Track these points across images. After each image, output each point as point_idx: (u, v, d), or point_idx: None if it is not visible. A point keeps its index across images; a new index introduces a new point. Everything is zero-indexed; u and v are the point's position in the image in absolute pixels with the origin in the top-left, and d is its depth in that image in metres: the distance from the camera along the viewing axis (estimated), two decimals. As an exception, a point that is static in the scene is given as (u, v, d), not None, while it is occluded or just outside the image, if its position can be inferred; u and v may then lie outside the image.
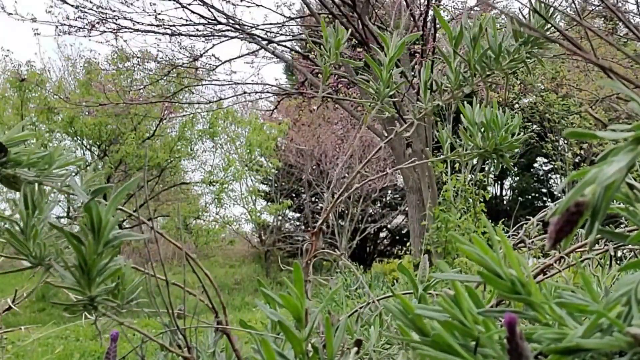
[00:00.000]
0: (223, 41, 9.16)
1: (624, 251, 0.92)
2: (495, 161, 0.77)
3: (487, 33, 0.70)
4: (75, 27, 8.68)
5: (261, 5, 8.87)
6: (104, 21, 8.71)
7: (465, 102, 0.76)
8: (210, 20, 8.72)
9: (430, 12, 7.77)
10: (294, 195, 15.31)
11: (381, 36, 0.79)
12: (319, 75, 8.74)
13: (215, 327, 0.57)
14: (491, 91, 0.76)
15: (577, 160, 14.47)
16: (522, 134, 0.76)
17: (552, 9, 0.66)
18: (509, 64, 0.71)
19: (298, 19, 9.75)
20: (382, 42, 0.80)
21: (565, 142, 14.09)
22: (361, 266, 10.03)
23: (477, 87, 0.77)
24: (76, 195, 0.43)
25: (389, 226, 16.59)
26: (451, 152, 0.80)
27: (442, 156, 0.82)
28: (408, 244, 9.83)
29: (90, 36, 8.79)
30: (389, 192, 15.93)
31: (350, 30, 0.84)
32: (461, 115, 0.74)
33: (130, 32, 8.83)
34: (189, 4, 8.42)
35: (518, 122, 0.75)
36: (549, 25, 0.68)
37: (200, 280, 0.53)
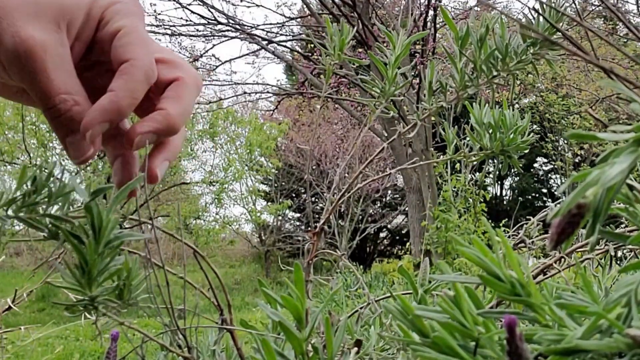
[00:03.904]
0: (223, 41, 9.17)
1: (624, 251, 0.92)
2: (501, 162, 0.77)
3: (494, 33, 0.70)
4: (75, 27, 8.68)
5: (261, 6, 8.88)
6: (104, 21, 8.70)
7: (472, 103, 0.76)
8: (210, 21, 8.73)
9: (430, 13, 7.77)
10: (294, 195, 15.31)
11: (387, 34, 0.79)
12: (320, 75, 8.76)
13: (218, 326, 0.57)
14: (494, 92, 0.76)
15: (577, 160, 14.48)
16: (530, 135, 0.76)
17: (558, 13, 0.66)
18: (516, 64, 0.71)
19: (298, 19, 9.76)
20: (385, 40, 0.80)
21: (565, 142, 14.09)
22: (361, 266, 10.03)
23: (479, 88, 0.77)
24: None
25: (389, 226, 16.59)
26: (455, 152, 0.80)
27: (445, 157, 0.81)
28: (408, 244, 9.83)
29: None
30: (389, 192, 15.93)
31: (352, 31, 0.84)
32: (461, 117, 0.74)
33: (131, 32, 8.82)
34: (189, 4, 8.43)
35: (527, 122, 0.75)
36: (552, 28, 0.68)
37: (208, 279, 0.54)
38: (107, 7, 0.48)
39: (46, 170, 0.42)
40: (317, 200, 15.33)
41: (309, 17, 9.13)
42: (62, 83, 0.45)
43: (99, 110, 0.45)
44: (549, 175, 17.74)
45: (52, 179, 0.41)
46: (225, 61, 9.53)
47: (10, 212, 0.40)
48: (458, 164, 8.51)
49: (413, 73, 7.51)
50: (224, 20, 8.75)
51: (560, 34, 0.68)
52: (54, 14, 0.46)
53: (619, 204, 0.32)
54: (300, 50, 10.45)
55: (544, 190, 17.69)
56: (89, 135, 0.44)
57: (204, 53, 9.31)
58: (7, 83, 0.49)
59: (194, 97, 0.51)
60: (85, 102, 0.47)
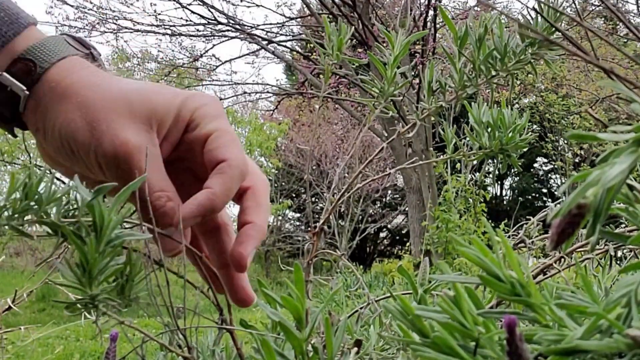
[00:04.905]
0: (223, 41, 9.17)
1: (624, 251, 0.92)
2: (501, 161, 0.76)
3: (492, 33, 0.70)
4: (75, 27, 8.69)
5: (261, 6, 8.88)
6: (104, 21, 8.72)
7: (471, 103, 0.76)
8: (210, 21, 8.73)
9: (431, 13, 7.77)
10: (294, 195, 15.30)
11: (386, 35, 0.78)
12: (319, 75, 8.75)
13: (218, 326, 0.57)
14: (493, 92, 0.76)
15: (577, 160, 14.48)
16: (529, 133, 0.76)
17: (557, 12, 0.66)
18: (515, 64, 0.71)
19: (298, 19, 9.76)
20: (385, 40, 0.80)
21: (565, 142, 14.09)
22: (361, 266, 10.03)
23: (478, 88, 0.77)
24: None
25: (389, 226, 16.58)
26: (454, 152, 0.80)
27: (444, 156, 0.81)
28: (408, 244, 9.84)
29: (90, 37, 8.79)
30: (389, 192, 15.93)
31: (352, 30, 0.84)
32: (461, 117, 0.74)
33: (131, 32, 8.84)
34: (189, 4, 8.43)
35: (525, 121, 0.75)
36: (552, 28, 0.68)
37: (207, 279, 0.53)
38: (195, 110, 0.52)
39: (37, 176, 0.42)
40: (317, 200, 15.32)
41: (309, 17, 9.13)
42: (156, 181, 0.49)
43: (196, 205, 0.48)
44: (549, 175, 17.73)
45: (42, 185, 0.41)
46: (225, 61, 9.54)
47: (2, 220, 0.40)
48: (458, 164, 8.51)
49: (413, 73, 7.51)
50: (224, 20, 8.75)
51: (559, 33, 0.68)
52: (147, 116, 0.50)
53: (619, 204, 0.32)
54: (300, 50, 10.45)
55: (544, 190, 17.69)
56: (180, 225, 0.47)
57: (204, 53, 9.32)
58: (96, 179, 0.51)
59: (268, 197, 0.55)
60: (176, 197, 0.50)
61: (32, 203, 0.41)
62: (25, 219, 0.41)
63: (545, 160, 16.98)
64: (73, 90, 0.50)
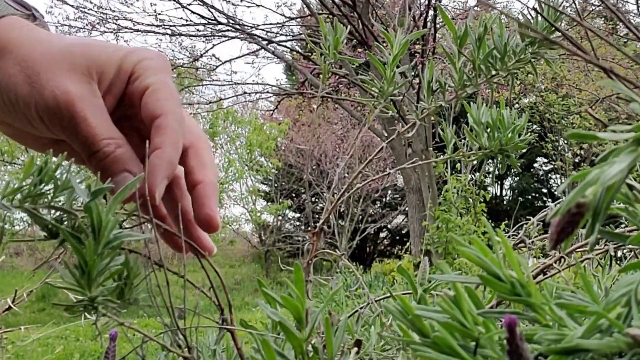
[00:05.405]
0: (223, 41, 9.16)
1: (624, 251, 0.92)
2: (500, 161, 0.76)
3: (492, 33, 0.70)
4: (75, 27, 8.70)
5: (261, 6, 8.88)
6: (104, 21, 8.72)
7: (470, 102, 0.76)
8: (210, 21, 8.72)
9: (431, 12, 7.77)
10: (294, 195, 15.29)
11: (384, 34, 0.78)
12: (319, 75, 8.75)
13: (218, 326, 0.57)
14: (493, 91, 0.76)
15: (577, 160, 14.48)
16: (529, 134, 0.76)
17: (557, 12, 0.66)
18: (515, 64, 0.71)
19: (298, 19, 9.76)
20: (385, 40, 0.80)
21: (565, 142, 14.09)
22: (361, 266, 10.03)
23: (478, 87, 0.77)
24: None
25: (389, 226, 16.58)
26: (454, 152, 0.80)
27: (444, 156, 0.81)
28: (408, 244, 9.83)
29: (90, 36, 8.79)
30: (389, 192, 15.92)
31: (349, 29, 0.84)
32: (461, 116, 0.74)
33: (131, 32, 8.84)
34: (189, 4, 8.43)
35: (524, 122, 0.75)
36: (552, 27, 0.68)
37: (209, 278, 0.53)
38: (137, 62, 0.51)
39: (54, 162, 0.41)
40: (317, 200, 15.31)
41: (309, 17, 9.13)
42: (103, 129, 0.48)
43: (158, 170, 0.47)
44: (549, 175, 17.73)
45: (59, 170, 0.41)
46: (225, 61, 9.53)
47: (14, 202, 0.40)
48: (458, 164, 8.51)
49: (413, 73, 7.50)
50: (224, 20, 8.75)
51: (559, 33, 0.68)
52: (87, 67, 0.49)
53: (619, 203, 0.32)
54: (300, 50, 10.45)
55: (544, 190, 17.68)
56: (158, 196, 0.47)
57: (204, 53, 9.31)
58: (40, 135, 0.51)
59: (211, 154, 0.55)
60: (126, 144, 0.49)
61: (48, 188, 0.41)
62: (38, 203, 0.41)
63: (545, 160, 16.97)
64: (13, 45, 0.50)
